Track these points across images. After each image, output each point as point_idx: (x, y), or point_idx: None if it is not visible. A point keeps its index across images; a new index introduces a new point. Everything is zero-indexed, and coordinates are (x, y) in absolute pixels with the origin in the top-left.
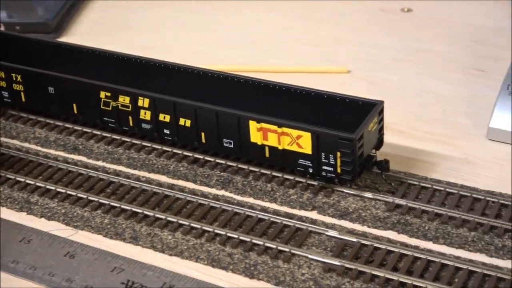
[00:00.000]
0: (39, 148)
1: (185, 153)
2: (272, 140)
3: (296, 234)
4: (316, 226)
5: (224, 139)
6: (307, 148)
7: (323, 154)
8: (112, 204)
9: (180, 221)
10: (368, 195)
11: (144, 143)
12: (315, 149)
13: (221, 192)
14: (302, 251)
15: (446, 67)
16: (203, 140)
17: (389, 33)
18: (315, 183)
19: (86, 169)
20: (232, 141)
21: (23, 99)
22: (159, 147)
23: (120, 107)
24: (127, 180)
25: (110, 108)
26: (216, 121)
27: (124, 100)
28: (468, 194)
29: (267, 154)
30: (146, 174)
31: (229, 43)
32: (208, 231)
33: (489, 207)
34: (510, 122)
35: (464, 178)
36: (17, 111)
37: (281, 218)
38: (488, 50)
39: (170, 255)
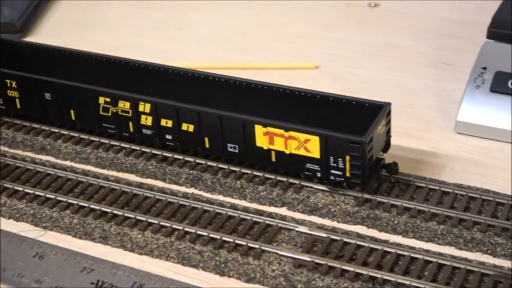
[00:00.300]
0: (6, 149)
1: (154, 152)
2: (278, 145)
3: (266, 231)
4: (286, 222)
5: (228, 144)
6: (315, 152)
7: (331, 158)
8: (81, 204)
9: (150, 220)
10: (337, 190)
11: (112, 142)
12: (324, 153)
13: (191, 190)
14: (272, 247)
15: (413, 61)
16: (207, 145)
17: (356, 28)
18: (284, 179)
19: (54, 169)
20: (237, 146)
21: (18, 106)
22: (127, 146)
23: (120, 112)
24: (96, 179)
25: (110, 114)
26: (220, 125)
27: (124, 105)
28: (437, 188)
29: (273, 159)
30: (115, 173)
31: (198, 40)
32: (178, 229)
33: (458, 200)
34: (478, 116)
35: (432, 172)
36: (11, 118)
37: (251, 215)
38: (454, 43)
39: (140, 254)
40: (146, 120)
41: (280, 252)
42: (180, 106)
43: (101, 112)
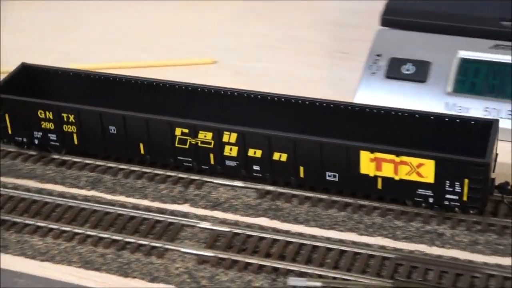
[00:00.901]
0: None
1: (53, 156)
2: (387, 171)
3: (169, 229)
4: (188, 219)
5: (327, 172)
6: (429, 177)
7: (447, 182)
8: None
9: (50, 226)
10: (239, 183)
11: (9, 149)
12: (439, 177)
13: (91, 193)
14: (175, 245)
15: (311, 52)
16: (301, 175)
17: (253, 21)
18: (185, 175)
19: None
20: (337, 174)
21: (76, 142)
22: (24, 151)
23: (199, 144)
24: None
25: (187, 146)
26: (320, 153)
27: (206, 136)
28: None
29: (379, 186)
30: (13, 180)
31: (95, 40)
32: (79, 233)
33: None
34: (373, 101)
35: None
36: (62, 155)
37: (153, 214)
38: (351, 32)
39: (42, 260)
40: (231, 151)
41: (183, 250)
42: (273, 135)
43: (177, 145)
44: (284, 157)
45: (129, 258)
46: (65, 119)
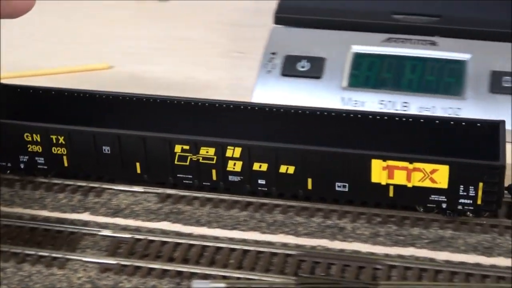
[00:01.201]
0: None
1: None
2: (399, 178)
3: (69, 239)
4: (89, 228)
5: (337, 183)
6: (442, 183)
7: (461, 186)
8: None
9: None
10: (139, 189)
11: None
12: (452, 182)
13: None
14: (76, 255)
15: (207, 53)
16: (309, 187)
17: (148, 24)
18: (84, 183)
19: None
20: (347, 184)
21: (66, 164)
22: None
23: (201, 160)
24: None
25: (188, 163)
26: (329, 163)
27: (208, 152)
28: None
29: (391, 194)
30: None
31: None
32: None
33: None
34: (270, 100)
35: None
36: (49, 178)
37: (52, 225)
38: (246, 32)
39: None
40: (235, 166)
41: (84, 259)
42: (280, 147)
43: (176, 162)
44: (291, 169)
45: (30, 271)
46: (54, 141)
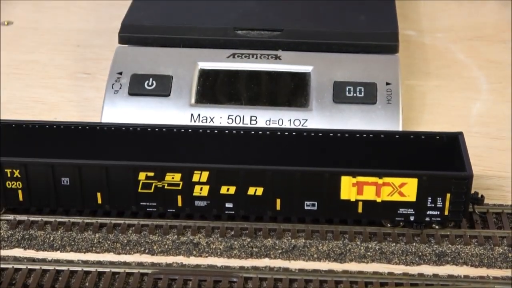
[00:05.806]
0: None
1: None
2: (368, 194)
3: None
4: None
5: (305, 202)
6: (411, 196)
7: (429, 198)
8: None
9: None
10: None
11: None
12: (421, 195)
13: None
14: None
15: (53, 76)
16: (278, 207)
17: None
18: None
19: None
20: (316, 203)
21: (21, 198)
22: None
23: (166, 186)
24: None
25: (152, 190)
26: (298, 182)
27: (173, 177)
28: None
29: (359, 210)
30: None
31: None
32: None
33: None
34: (120, 120)
35: None
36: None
37: None
38: (92, 53)
39: None
40: (201, 191)
41: None
42: (248, 169)
43: (140, 190)
44: (260, 191)
45: None
46: (8, 175)
